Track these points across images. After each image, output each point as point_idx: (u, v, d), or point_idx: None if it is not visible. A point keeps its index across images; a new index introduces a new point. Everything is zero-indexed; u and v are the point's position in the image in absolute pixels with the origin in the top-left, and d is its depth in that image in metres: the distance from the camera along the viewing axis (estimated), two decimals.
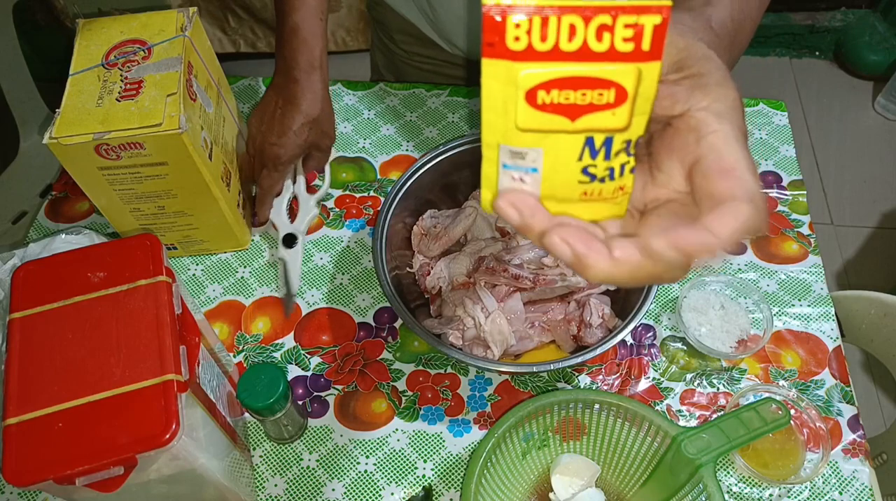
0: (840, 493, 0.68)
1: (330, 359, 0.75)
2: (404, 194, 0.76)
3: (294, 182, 0.84)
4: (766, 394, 0.70)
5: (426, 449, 0.70)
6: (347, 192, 0.88)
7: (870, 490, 0.68)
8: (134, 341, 0.50)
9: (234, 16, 2.02)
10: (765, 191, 0.87)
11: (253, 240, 0.84)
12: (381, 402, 0.73)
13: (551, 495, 0.66)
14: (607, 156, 0.30)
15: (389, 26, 0.98)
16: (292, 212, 0.82)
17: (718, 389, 0.74)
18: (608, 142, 0.30)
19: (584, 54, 0.27)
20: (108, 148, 0.64)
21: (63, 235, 0.71)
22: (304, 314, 0.78)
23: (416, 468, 0.69)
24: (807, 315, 0.78)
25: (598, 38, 0.27)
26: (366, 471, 0.69)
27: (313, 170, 0.83)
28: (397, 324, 0.77)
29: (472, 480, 0.59)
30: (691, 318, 0.74)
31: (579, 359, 0.65)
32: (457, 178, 0.82)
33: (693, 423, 0.72)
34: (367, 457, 0.70)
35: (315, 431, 0.71)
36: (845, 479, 0.69)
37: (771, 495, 0.68)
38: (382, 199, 0.77)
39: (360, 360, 0.75)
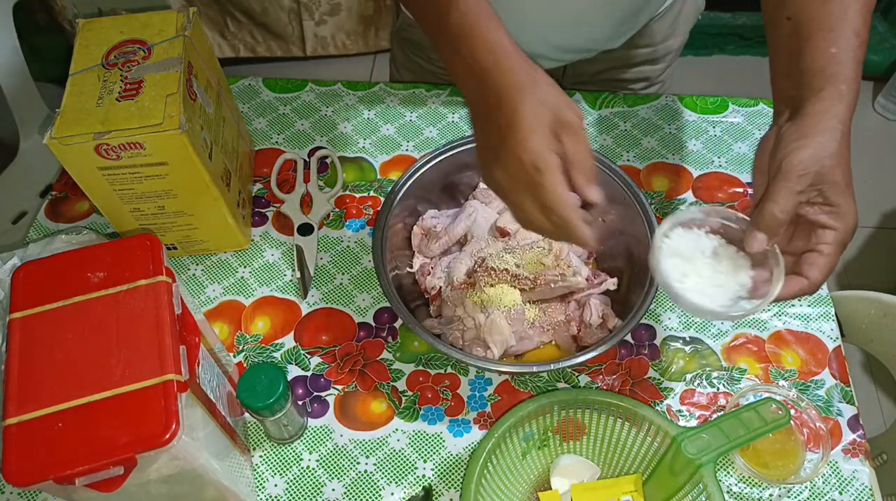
0: (840, 493, 0.68)
1: (330, 359, 0.75)
2: (404, 194, 0.76)
3: (306, 181, 0.87)
4: (766, 394, 0.70)
5: (426, 449, 0.70)
6: (347, 192, 0.88)
7: (870, 490, 0.68)
8: (134, 341, 0.50)
9: (233, 20, 2.03)
10: None
11: (253, 241, 0.84)
12: (381, 402, 0.73)
13: (553, 480, 0.66)
14: None
15: (423, 46, 0.98)
16: (305, 207, 0.86)
17: (718, 389, 0.74)
18: None
19: None
20: (108, 148, 0.64)
21: (63, 235, 0.71)
22: (304, 314, 0.78)
23: (416, 468, 0.69)
24: (807, 315, 0.78)
25: None
26: (366, 471, 0.69)
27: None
28: (397, 324, 0.77)
29: (472, 480, 0.59)
30: (673, 267, 0.57)
31: (579, 359, 0.65)
32: (457, 178, 0.82)
33: (693, 423, 0.72)
34: (367, 457, 0.70)
35: (315, 431, 0.71)
36: (845, 479, 0.69)
37: (771, 495, 0.68)
38: (382, 199, 0.77)
39: (360, 360, 0.75)
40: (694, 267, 0.58)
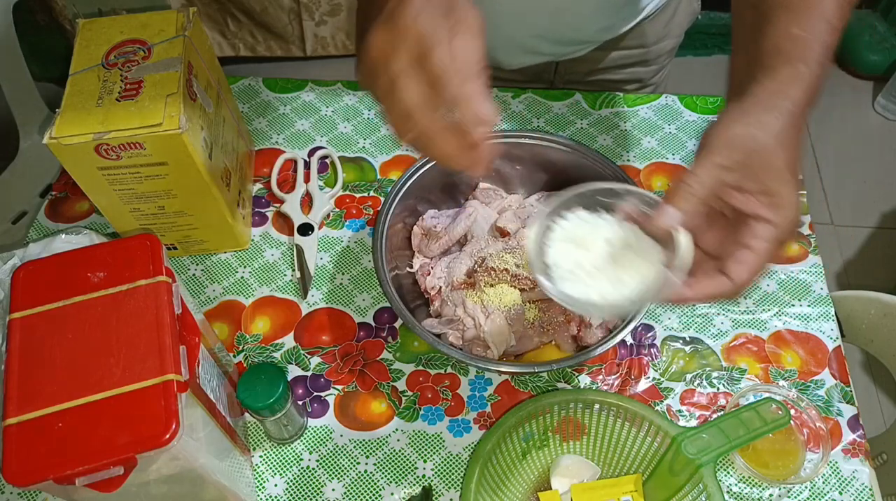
0: (840, 493, 0.68)
1: (330, 359, 0.75)
2: (404, 194, 0.76)
3: (307, 181, 0.87)
4: (766, 394, 0.70)
5: (426, 449, 0.70)
6: (347, 192, 0.88)
7: (870, 490, 0.68)
8: (134, 341, 0.50)
9: (233, 19, 2.03)
10: None
11: (253, 241, 0.84)
12: (381, 402, 0.73)
13: (553, 480, 0.66)
14: None
15: None
16: (305, 207, 0.86)
17: (718, 389, 0.74)
18: None
19: None
20: (108, 148, 0.64)
21: (63, 235, 0.71)
22: (304, 314, 0.78)
23: (415, 468, 0.69)
24: (807, 315, 0.78)
25: None
26: (366, 471, 0.69)
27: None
28: (397, 324, 0.77)
29: (472, 480, 0.59)
30: (563, 254, 0.48)
31: (579, 359, 0.65)
32: (457, 178, 0.82)
33: (693, 423, 0.72)
34: (367, 457, 0.70)
35: (315, 431, 0.71)
36: (845, 479, 0.69)
37: (771, 495, 0.68)
38: (382, 199, 0.77)
39: (360, 360, 0.75)
40: (587, 255, 0.49)
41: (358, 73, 0.44)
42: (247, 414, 0.71)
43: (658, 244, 0.47)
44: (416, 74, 0.41)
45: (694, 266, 0.46)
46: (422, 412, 0.72)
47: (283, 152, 0.90)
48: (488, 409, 0.72)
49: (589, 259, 0.48)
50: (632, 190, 0.48)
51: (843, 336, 0.78)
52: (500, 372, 0.74)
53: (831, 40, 0.48)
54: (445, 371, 0.75)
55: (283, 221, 0.85)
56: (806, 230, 0.84)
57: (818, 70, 0.47)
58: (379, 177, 0.89)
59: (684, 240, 0.45)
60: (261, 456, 0.70)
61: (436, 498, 0.68)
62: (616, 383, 0.74)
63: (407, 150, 0.91)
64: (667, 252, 0.47)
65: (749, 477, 0.68)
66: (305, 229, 0.83)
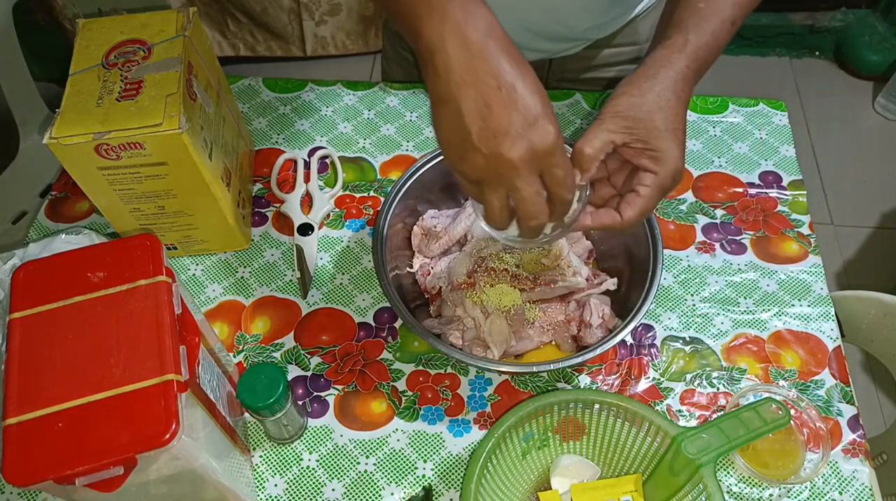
0: (840, 493, 0.68)
1: (330, 359, 0.75)
2: (404, 194, 0.76)
3: (307, 181, 0.87)
4: (766, 394, 0.70)
5: (426, 449, 0.70)
6: (347, 192, 0.88)
7: (870, 490, 0.68)
8: (134, 341, 0.50)
9: (233, 20, 2.03)
10: (764, 191, 0.87)
11: (253, 241, 0.84)
12: (381, 402, 0.73)
13: (553, 480, 0.66)
14: None
15: None
16: (305, 207, 0.86)
17: (718, 389, 0.74)
18: None
19: None
20: (108, 148, 0.64)
21: (63, 235, 0.71)
22: (304, 314, 0.78)
23: (416, 468, 0.69)
24: (807, 315, 0.78)
25: None
26: (366, 471, 0.69)
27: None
28: (397, 324, 0.77)
29: (472, 480, 0.59)
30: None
31: (579, 359, 0.65)
32: (457, 179, 0.82)
33: (693, 423, 0.72)
34: (367, 457, 0.70)
35: (315, 431, 0.71)
36: (845, 479, 0.69)
37: (771, 495, 0.68)
38: (382, 199, 0.77)
39: (360, 360, 0.75)
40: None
41: (489, 163, 0.48)
42: (247, 414, 0.71)
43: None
44: (536, 186, 0.48)
45: (602, 201, 0.58)
46: (422, 412, 0.72)
47: (283, 152, 0.90)
48: (488, 409, 0.72)
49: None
50: None
51: (843, 336, 0.78)
52: (500, 372, 0.74)
53: (731, 13, 0.56)
54: (445, 371, 0.75)
55: (283, 221, 0.85)
56: (806, 230, 0.84)
57: (708, 39, 0.55)
58: (379, 177, 0.89)
59: (586, 191, 0.56)
60: (261, 456, 0.70)
61: (436, 498, 0.68)
62: (616, 383, 0.74)
63: (407, 150, 0.91)
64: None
65: (749, 477, 0.68)
66: (305, 229, 0.83)
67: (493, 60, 0.45)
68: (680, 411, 0.72)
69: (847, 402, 0.73)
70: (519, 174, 0.47)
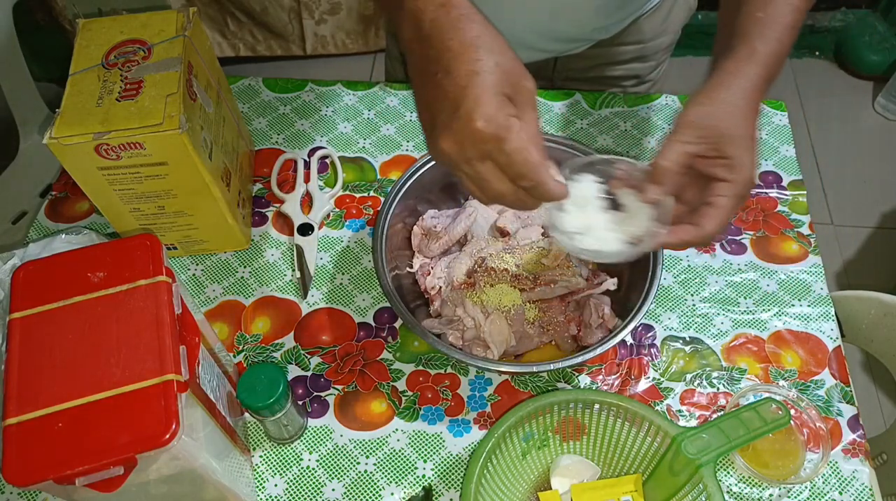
0: (840, 493, 0.68)
1: (330, 359, 0.75)
2: (404, 194, 0.76)
3: (307, 180, 0.87)
4: (766, 394, 0.70)
5: (426, 449, 0.70)
6: (347, 192, 0.88)
7: (870, 490, 0.68)
8: (134, 341, 0.50)
9: (233, 19, 2.03)
10: (764, 191, 0.87)
11: (253, 241, 0.84)
12: (381, 402, 0.73)
13: (553, 480, 0.66)
14: None
15: None
16: (305, 207, 0.86)
17: (718, 389, 0.74)
18: None
19: None
20: (108, 148, 0.64)
21: (63, 235, 0.71)
22: (304, 314, 0.78)
23: (416, 468, 0.69)
24: (807, 315, 0.78)
25: None
26: (366, 471, 0.69)
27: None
28: (397, 324, 0.77)
29: (472, 480, 0.59)
30: (574, 215, 0.57)
31: (579, 359, 0.65)
32: (457, 178, 0.82)
33: (693, 423, 0.72)
34: (367, 457, 0.70)
35: (315, 431, 0.71)
36: (845, 479, 0.69)
37: (771, 495, 0.68)
38: (382, 199, 0.77)
39: (360, 360, 0.75)
40: (584, 212, 0.58)
41: (431, 153, 0.50)
42: (247, 414, 0.71)
43: (647, 206, 0.56)
44: (496, 171, 0.48)
45: (676, 218, 0.56)
46: (422, 412, 0.72)
47: (283, 152, 0.90)
48: (488, 409, 0.72)
49: (595, 218, 0.58)
50: (627, 160, 0.59)
51: (843, 336, 0.78)
52: (500, 372, 0.74)
53: (792, 19, 0.56)
54: (445, 371, 0.75)
55: (283, 221, 0.85)
56: (806, 230, 0.84)
57: (775, 46, 0.55)
58: (379, 177, 0.89)
59: (666, 203, 0.56)
60: (261, 456, 0.70)
61: (436, 498, 0.68)
62: (616, 383, 0.74)
63: (407, 150, 0.91)
64: (657, 210, 0.57)
65: (749, 477, 0.68)
66: (305, 229, 0.83)
67: (436, 44, 0.45)
68: (680, 411, 0.72)
69: (847, 402, 0.73)
70: (455, 163, 0.48)
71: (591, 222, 0.57)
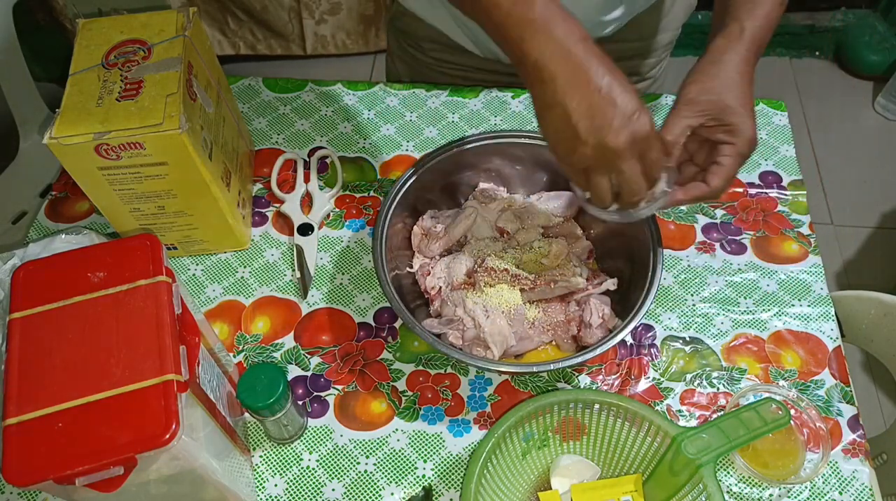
0: (840, 493, 0.68)
1: (330, 359, 0.75)
2: (404, 194, 0.76)
3: (307, 180, 0.87)
4: (766, 394, 0.70)
5: (426, 449, 0.70)
6: (347, 192, 0.88)
7: (870, 490, 0.68)
8: (134, 341, 0.50)
9: (233, 18, 2.03)
10: (764, 191, 0.87)
11: (253, 241, 0.84)
12: (381, 402, 0.73)
13: (553, 480, 0.66)
14: None
15: (417, 36, 0.98)
16: (305, 207, 0.86)
17: (718, 389, 0.74)
18: None
19: None
20: (108, 148, 0.64)
21: (63, 235, 0.71)
22: (304, 314, 0.78)
23: (416, 468, 0.69)
24: (807, 315, 0.78)
25: None
26: (366, 471, 0.69)
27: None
28: (397, 324, 0.77)
29: (472, 480, 0.59)
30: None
31: (579, 359, 0.65)
32: (457, 178, 0.82)
33: (693, 423, 0.72)
34: (367, 457, 0.70)
35: (315, 431, 0.71)
36: (845, 479, 0.69)
37: (771, 495, 0.68)
38: (382, 199, 0.77)
39: (360, 360, 0.75)
40: None
41: (585, 157, 0.55)
42: (247, 414, 0.71)
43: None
44: (638, 167, 0.56)
45: (688, 178, 0.64)
46: (422, 412, 0.72)
47: (283, 152, 0.90)
48: (488, 409, 0.72)
49: None
50: None
51: (843, 336, 0.78)
52: (500, 372, 0.74)
53: None
54: (445, 371, 0.75)
55: (283, 221, 0.85)
56: (806, 230, 0.84)
57: (762, 22, 0.62)
58: (379, 177, 0.89)
59: (673, 172, 0.62)
60: (261, 456, 0.70)
61: (436, 498, 0.68)
62: (616, 383, 0.74)
63: (407, 150, 0.91)
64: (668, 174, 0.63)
65: (749, 477, 0.68)
66: (305, 229, 0.83)
67: (592, 70, 0.53)
68: (680, 411, 0.72)
69: (847, 402, 0.73)
70: (623, 159, 0.54)
71: None
